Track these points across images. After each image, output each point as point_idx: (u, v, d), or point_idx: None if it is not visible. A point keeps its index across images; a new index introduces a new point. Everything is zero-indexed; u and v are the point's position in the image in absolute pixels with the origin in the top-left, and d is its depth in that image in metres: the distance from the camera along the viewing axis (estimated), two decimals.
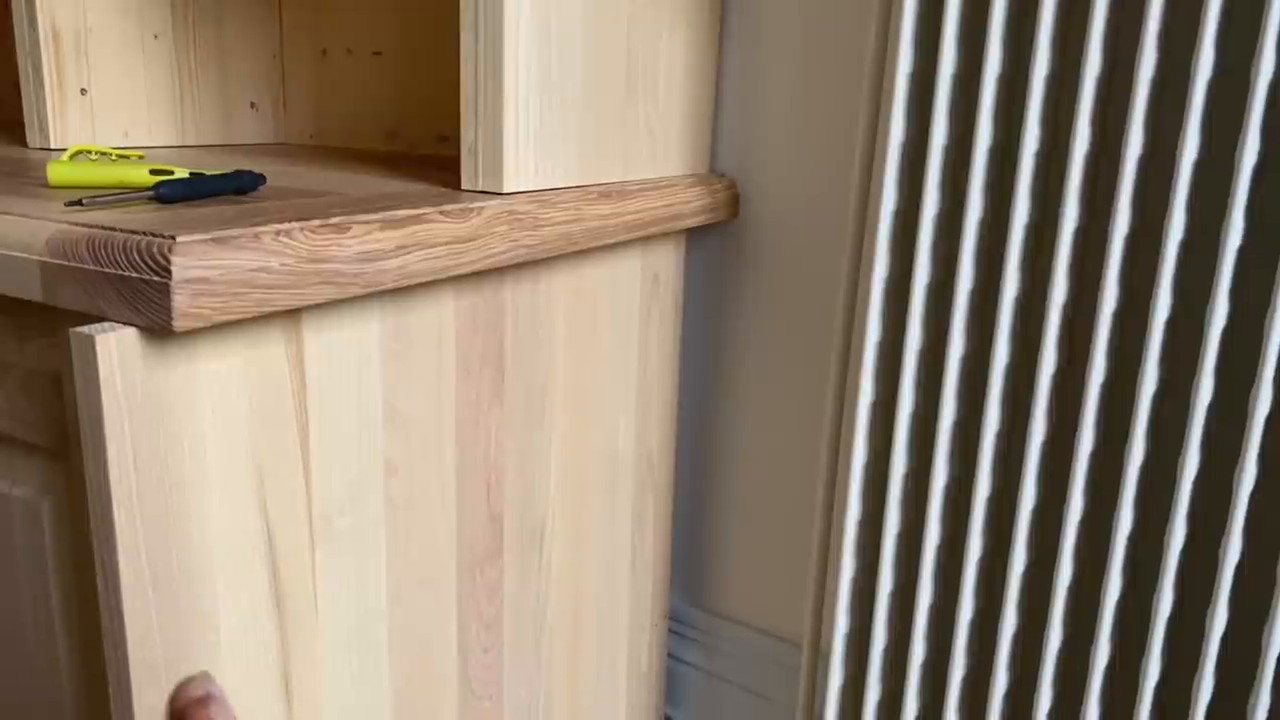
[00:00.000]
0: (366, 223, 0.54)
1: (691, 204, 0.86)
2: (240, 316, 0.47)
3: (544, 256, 0.68)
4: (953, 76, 0.69)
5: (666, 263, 0.90)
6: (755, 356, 0.95)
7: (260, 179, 0.63)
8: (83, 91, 0.90)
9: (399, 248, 0.55)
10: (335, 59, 1.11)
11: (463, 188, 0.68)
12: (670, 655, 1.04)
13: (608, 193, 0.74)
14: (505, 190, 0.67)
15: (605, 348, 0.82)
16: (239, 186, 0.61)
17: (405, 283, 0.56)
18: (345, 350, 0.57)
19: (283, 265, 0.49)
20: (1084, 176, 0.66)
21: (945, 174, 0.71)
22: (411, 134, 1.07)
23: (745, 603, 1.00)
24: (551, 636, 0.82)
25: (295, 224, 0.51)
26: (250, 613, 0.54)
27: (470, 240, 0.60)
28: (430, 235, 0.57)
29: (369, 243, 0.53)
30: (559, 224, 0.68)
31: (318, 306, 0.55)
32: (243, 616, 0.53)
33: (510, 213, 0.64)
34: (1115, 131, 0.65)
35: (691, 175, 0.89)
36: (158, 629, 0.49)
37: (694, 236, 0.96)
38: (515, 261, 0.65)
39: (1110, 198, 0.65)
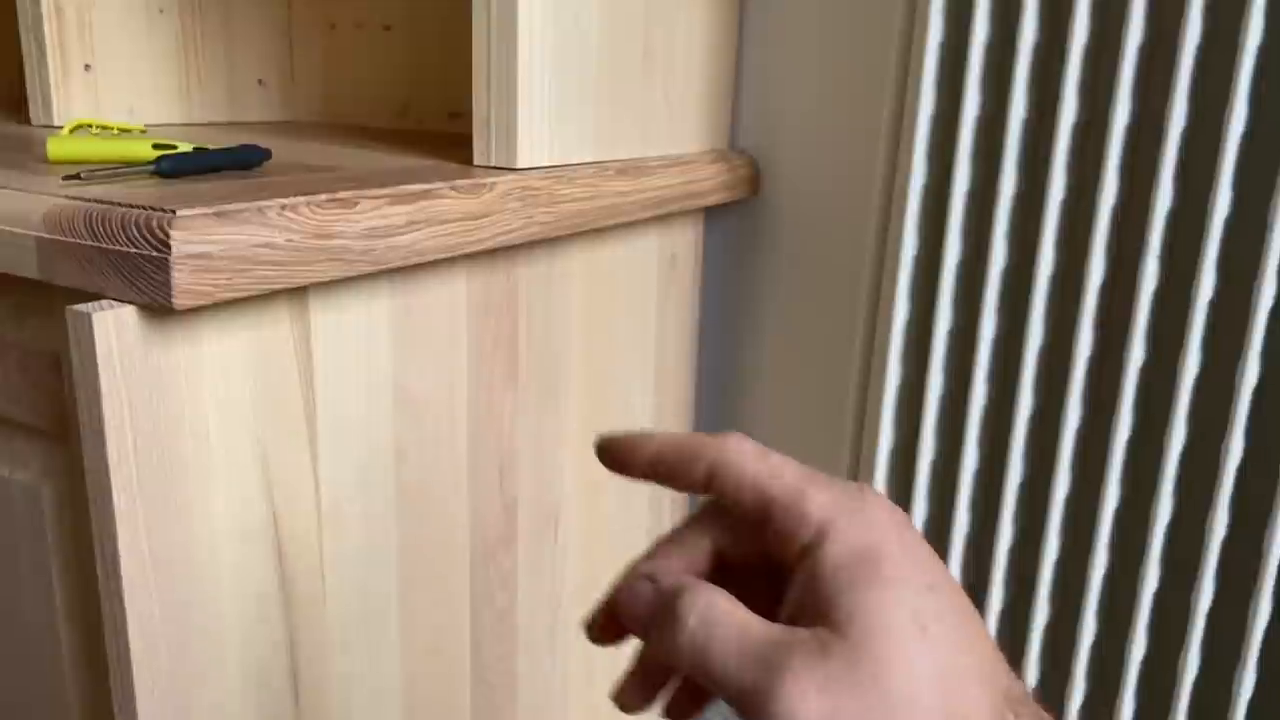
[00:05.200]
0: (375, 198, 0.52)
1: (711, 181, 0.83)
2: (244, 294, 0.45)
3: (559, 235, 0.65)
4: (985, 46, 0.66)
5: (684, 242, 0.87)
6: (775, 339, 0.92)
7: (265, 153, 0.61)
8: (86, 67, 0.88)
9: (409, 224, 0.53)
10: (344, 33, 1.09)
11: (475, 163, 0.66)
12: None
13: (625, 169, 0.72)
14: (519, 166, 0.65)
15: (621, 330, 0.80)
16: (243, 161, 0.59)
17: (415, 261, 0.54)
18: (353, 331, 0.55)
19: (288, 241, 0.47)
20: (1124, 150, 0.63)
21: (977, 147, 0.68)
22: (422, 110, 1.05)
23: None
24: (566, 626, 0.80)
25: (301, 199, 0.48)
26: (255, 600, 0.52)
27: (483, 217, 0.58)
28: (441, 211, 0.55)
29: (378, 219, 0.51)
30: (575, 201, 0.66)
31: (325, 285, 0.53)
32: (247, 603, 0.51)
33: (524, 188, 0.62)
34: (1158, 102, 0.62)
35: (711, 151, 0.87)
36: (159, 616, 0.47)
37: (712, 216, 0.93)
38: (529, 239, 0.63)
39: (1152, 172, 0.62)
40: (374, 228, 0.51)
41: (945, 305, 0.70)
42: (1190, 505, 0.65)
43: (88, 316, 0.42)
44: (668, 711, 0.34)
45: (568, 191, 0.65)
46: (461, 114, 1.03)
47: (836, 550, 0.27)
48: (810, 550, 0.28)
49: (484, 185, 0.59)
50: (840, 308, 0.88)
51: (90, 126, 0.61)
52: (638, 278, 0.81)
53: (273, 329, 0.50)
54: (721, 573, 0.32)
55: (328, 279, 0.49)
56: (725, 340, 0.96)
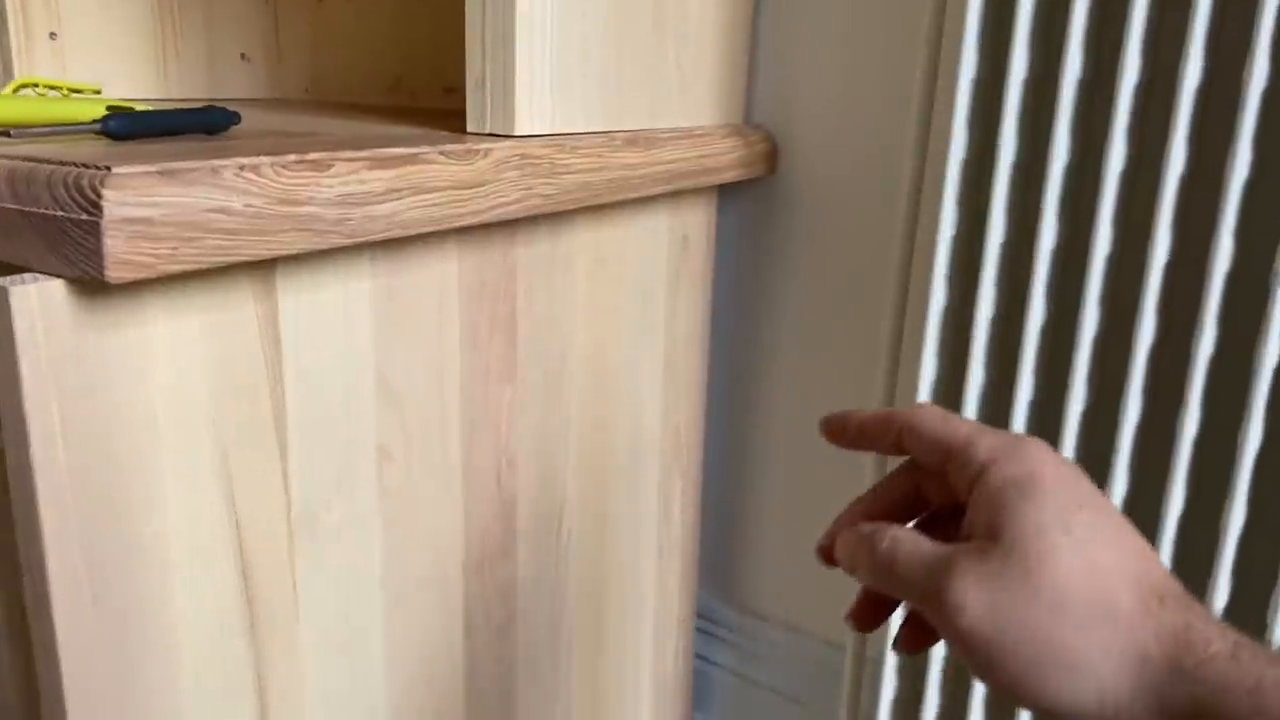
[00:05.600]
0: (351, 160, 0.45)
1: (726, 156, 0.77)
2: (193, 266, 0.38)
3: (562, 209, 0.59)
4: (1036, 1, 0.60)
5: (697, 222, 0.81)
6: (794, 326, 0.86)
7: (234, 117, 0.54)
8: (52, 35, 0.82)
9: (390, 191, 0.46)
10: (333, 5, 1.02)
11: (469, 130, 0.59)
12: (698, 656, 0.96)
13: (634, 139, 0.65)
14: (518, 133, 0.58)
15: (629, 315, 0.74)
16: (207, 124, 0.52)
17: (398, 234, 0.47)
18: (329, 313, 0.49)
19: (247, 207, 0.40)
20: (1194, 112, 0.56)
21: (1025, 114, 0.62)
22: (415, 85, 0.98)
23: (781, 599, 0.92)
24: (570, 638, 0.74)
25: (265, 159, 0.42)
26: (216, 622, 0.45)
27: (476, 186, 0.52)
28: (428, 178, 0.49)
29: (354, 184, 0.45)
30: (579, 172, 0.59)
31: (294, 259, 0.46)
32: (207, 627, 0.45)
33: (523, 156, 0.55)
34: (1236, 55, 0.56)
35: (726, 125, 0.80)
36: (99, 646, 0.40)
37: (726, 194, 0.87)
38: (529, 214, 0.56)
39: (1227, 138, 0.55)
40: (349, 194, 0.44)
41: (988, 291, 0.64)
42: (1268, 510, 0.58)
43: (3, 290, 0.35)
44: (896, 644, 0.39)
45: (571, 161, 0.59)
46: (457, 89, 0.96)
47: (996, 478, 0.32)
48: (976, 482, 0.33)
49: (477, 151, 0.52)
50: (866, 294, 0.82)
51: (36, 86, 0.54)
52: (647, 259, 0.74)
53: (234, 310, 0.44)
54: (922, 525, 0.39)
55: (296, 252, 0.42)
56: (740, 328, 0.89)
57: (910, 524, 0.38)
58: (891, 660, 0.72)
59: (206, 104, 0.52)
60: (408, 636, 0.57)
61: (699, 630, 0.95)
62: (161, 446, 0.42)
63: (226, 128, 0.54)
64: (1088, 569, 0.30)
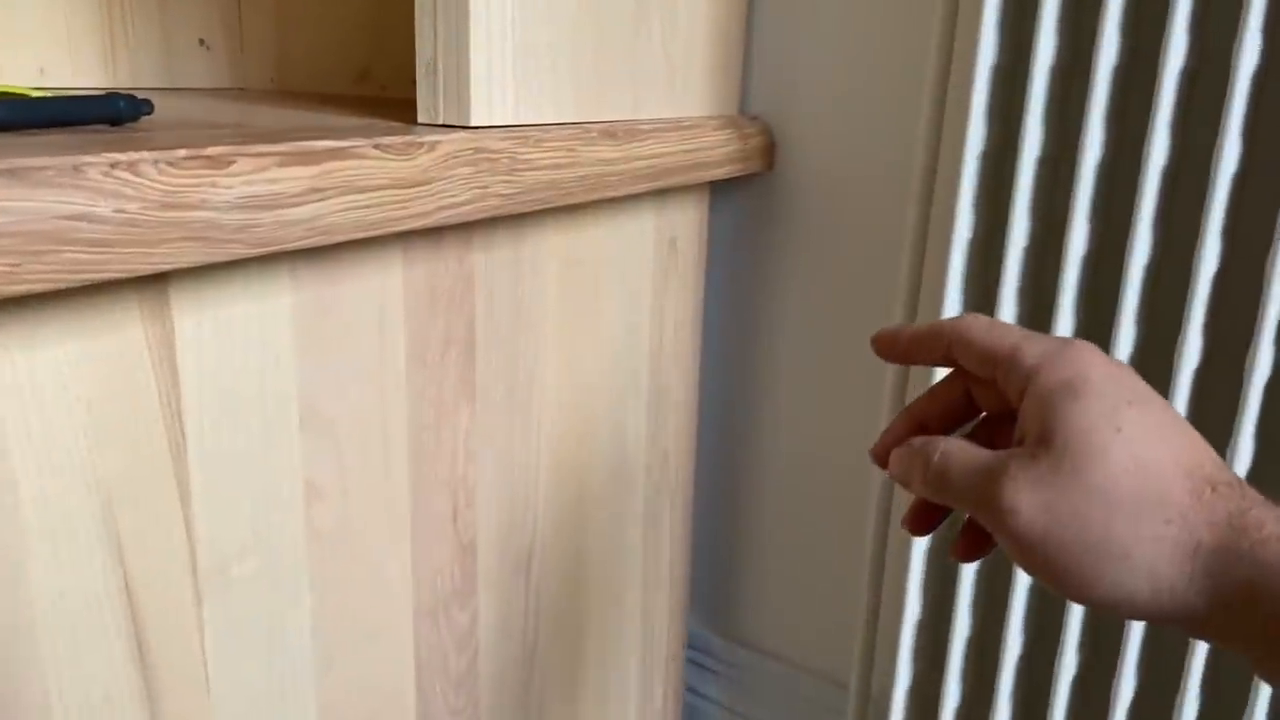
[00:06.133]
0: (259, 156, 0.38)
1: (718, 150, 0.69)
2: (44, 286, 0.31)
3: (527, 210, 0.52)
4: None
5: (686, 223, 0.73)
6: (794, 338, 0.79)
7: (143, 105, 0.47)
8: None
9: (311, 191, 0.39)
10: None
11: (419, 121, 0.52)
12: (689, 690, 0.89)
13: (612, 131, 0.58)
14: (473, 123, 0.51)
15: (609, 326, 0.66)
16: (110, 114, 0.45)
17: (322, 241, 0.40)
18: (240, 334, 0.42)
19: (118, 213, 0.33)
20: (1249, 104, 0.49)
21: (1051, 105, 0.54)
22: (385, 74, 0.91)
23: (777, 631, 0.85)
24: (543, 683, 0.67)
25: (147, 154, 0.35)
26: (105, 704, 0.39)
27: (419, 185, 0.45)
28: (358, 176, 0.42)
29: (261, 184, 0.38)
30: (546, 168, 0.52)
31: (191, 272, 0.39)
32: (88, 701, 0.38)
33: (477, 150, 0.48)
34: None
35: (718, 117, 0.73)
36: None
37: (719, 192, 0.79)
38: (486, 215, 0.49)
39: None
40: (255, 196, 0.37)
41: (1009, 300, 0.56)
42: None
43: None
44: (953, 552, 0.39)
45: (535, 156, 0.52)
46: None
47: (1044, 381, 0.32)
48: (1026, 387, 0.33)
49: (419, 145, 0.45)
50: (872, 303, 0.74)
51: None
52: (630, 264, 0.67)
53: (115, 334, 0.37)
54: (976, 434, 0.39)
55: (184, 266, 0.35)
56: (734, 339, 0.82)
57: (964, 430, 0.39)
58: (899, 699, 0.65)
59: (106, 94, 0.45)
60: (347, 697, 0.50)
61: (690, 662, 0.88)
62: (22, 498, 0.35)
63: (135, 117, 0.47)
64: (1138, 464, 0.30)
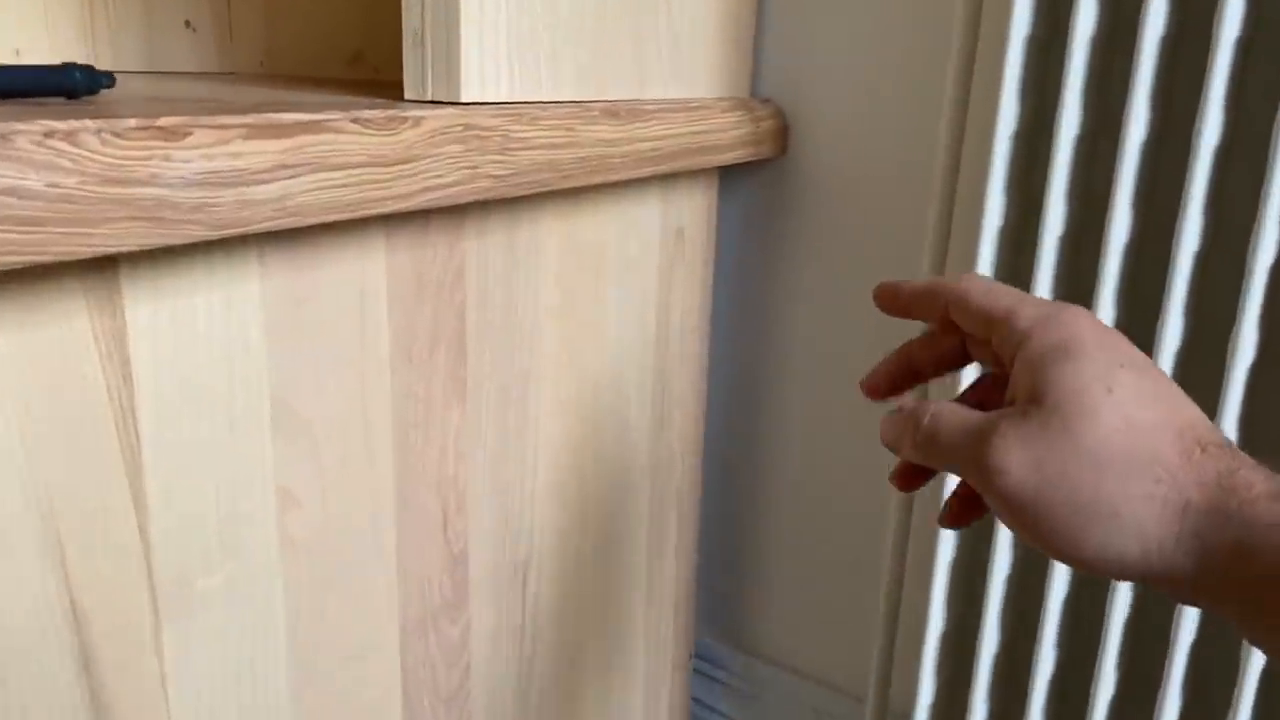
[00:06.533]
0: (221, 128, 0.34)
1: (728, 133, 0.65)
2: None
3: (522, 193, 0.48)
4: None
5: (694, 210, 0.69)
6: (808, 333, 0.75)
7: (103, 78, 0.43)
8: None
9: (279, 168, 0.36)
10: None
11: (406, 98, 0.48)
12: (696, 701, 0.85)
13: (615, 110, 0.54)
14: (464, 99, 0.47)
15: (612, 320, 0.62)
16: (64, 86, 0.41)
17: (292, 223, 0.37)
18: (203, 325, 0.38)
19: (52, 188, 0.29)
20: None
21: (1091, 80, 0.50)
22: (378, 57, 0.88)
23: (789, 641, 0.81)
24: (541, 698, 0.63)
25: (89, 123, 0.31)
26: None
27: (402, 163, 0.41)
28: (333, 152, 0.38)
29: (222, 158, 0.34)
30: (542, 148, 0.48)
31: (146, 256, 0.35)
32: None
33: (467, 127, 0.44)
34: None
35: (728, 99, 0.69)
36: None
37: (729, 178, 0.75)
38: (478, 198, 0.45)
39: None
40: (215, 172, 0.33)
41: (1043, 293, 0.52)
42: None
43: None
44: (941, 519, 0.39)
45: (530, 135, 0.48)
46: None
47: (1037, 344, 0.32)
48: (1019, 349, 0.33)
49: (403, 120, 0.41)
50: None
51: None
52: (634, 254, 0.63)
53: (57, 326, 0.33)
54: (974, 400, 0.38)
55: (133, 248, 0.32)
56: (745, 334, 0.78)
57: (955, 396, 0.39)
58: (921, 715, 0.61)
59: (62, 64, 0.41)
60: (326, 718, 0.47)
61: (697, 673, 0.84)
62: None
63: (94, 91, 0.43)
64: (1129, 424, 0.29)
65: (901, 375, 0.39)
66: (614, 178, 0.54)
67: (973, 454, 0.31)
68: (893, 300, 0.38)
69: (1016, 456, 0.30)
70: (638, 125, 0.56)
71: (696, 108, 0.62)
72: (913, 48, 0.66)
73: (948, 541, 0.58)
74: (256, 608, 0.42)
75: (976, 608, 0.58)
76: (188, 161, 0.33)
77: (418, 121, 0.42)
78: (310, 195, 0.37)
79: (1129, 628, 0.54)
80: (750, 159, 0.69)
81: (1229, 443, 0.30)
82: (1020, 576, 0.57)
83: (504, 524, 0.56)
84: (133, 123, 0.32)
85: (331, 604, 0.45)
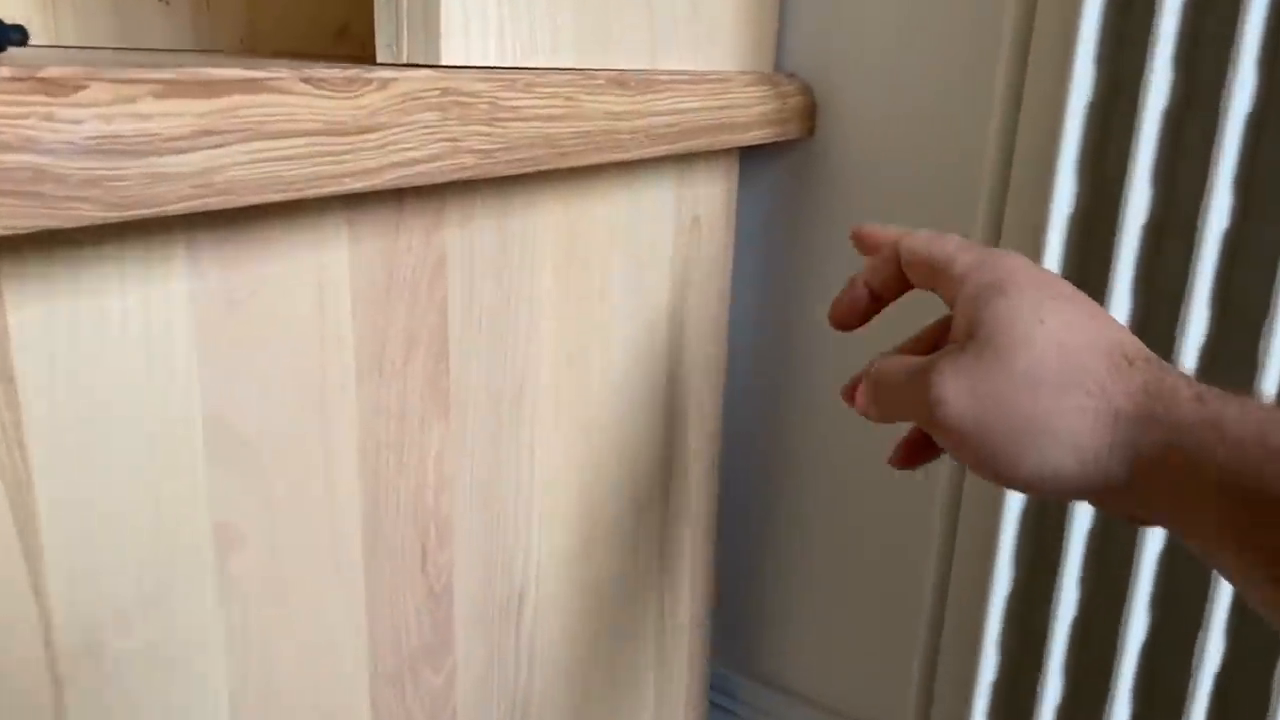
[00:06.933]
0: (125, 82, 0.27)
1: (751, 110, 0.58)
2: None
3: (513, 172, 0.41)
4: None
5: (712, 197, 0.62)
6: (838, 335, 0.67)
7: (11, 32, 0.37)
8: None
9: (202, 134, 0.29)
10: None
11: (378, 60, 0.41)
12: None
13: (623, 80, 0.47)
14: (444, 62, 0.40)
15: (619, 321, 0.55)
16: None
17: (221, 202, 0.29)
18: (114, 332, 0.31)
19: None
20: None
21: (1183, 44, 0.43)
22: (365, 32, 0.80)
23: (813, 672, 0.74)
24: None
25: None
26: None
27: (364, 132, 0.34)
28: (275, 116, 0.31)
29: (125, 119, 0.27)
30: (538, 119, 0.41)
31: (29, 246, 0.28)
32: None
33: (445, 92, 0.37)
34: None
35: (750, 72, 0.61)
36: None
37: (750, 162, 0.68)
38: (460, 176, 0.38)
39: None
40: (114, 137, 0.26)
41: (1121, 293, 0.45)
42: None
43: None
44: (891, 460, 0.41)
45: (524, 104, 0.40)
46: None
47: (973, 285, 0.34)
48: (957, 292, 0.34)
49: (366, 81, 0.34)
50: (931, 295, 0.63)
51: None
52: (644, 246, 0.56)
53: None
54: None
55: (6, 231, 0.25)
56: (767, 335, 0.70)
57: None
58: None
59: None
60: None
61: (714, 705, 0.77)
62: None
63: (1, 47, 0.36)
64: (1060, 349, 0.31)
65: (863, 302, 0.41)
66: (622, 157, 0.47)
67: (915, 391, 0.33)
68: (860, 240, 0.42)
69: (953, 387, 0.31)
70: (650, 97, 0.49)
71: (716, 80, 0.55)
72: (958, 14, 0.58)
73: (1004, 567, 0.51)
74: (188, 672, 0.35)
75: (1035, 653, 0.51)
76: (77, 123, 0.26)
77: (385, 84, 0.35)
78: (244, 169, 0.30)
79: (1223, 676, 0.46)
80: (774, 140, 0.61)
81: (1157, 358, 0.31)
82: (1088, 621, 0.50)
83: (495, 553, 0.49)
84: (5, 72, 0.25)
85: (285, 661, 0.38)
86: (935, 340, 0.39)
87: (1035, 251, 0.47)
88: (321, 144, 0.32)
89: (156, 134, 0.27)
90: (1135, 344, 0.32)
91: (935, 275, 0.36)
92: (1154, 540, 0.46)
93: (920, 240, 0.37)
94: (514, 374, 0.48)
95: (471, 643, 0.48)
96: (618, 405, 0.56)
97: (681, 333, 0.61)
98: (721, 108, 0.55)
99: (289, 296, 0.36)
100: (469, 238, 0.43)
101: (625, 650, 0.62)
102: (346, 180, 0.33)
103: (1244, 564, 0.27)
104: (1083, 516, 0.48)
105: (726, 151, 0.62)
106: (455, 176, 0.38)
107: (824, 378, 0.68)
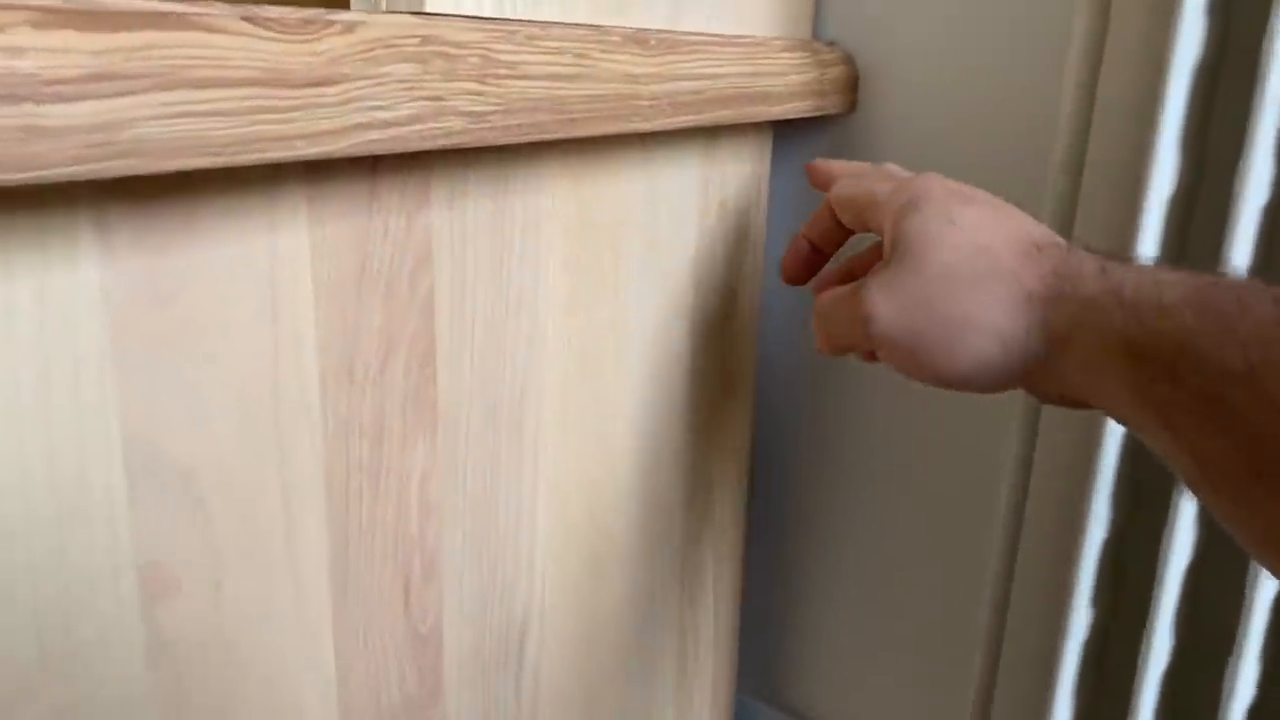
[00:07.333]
0: None
1: (787, 79, 0.51)
2: None
3: (512, 141, 0.34)
4: None
5: (741, 178, 0.55)
6: None
7: None
8: None
9: (99, 79, 0.22)
10: None
11: (352, 6, 0.35)
12: None
13: (643, 38, 0.40)
14: (428, 8, 0.33)
15: (635, 318, 0.49)
16: None
17: (127, 167, 0.23)
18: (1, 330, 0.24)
19: None
20: None
21: None
22: None
23: (848, 704, 0.67)
24: None
25: None
26: None
27: (320, 84, 0.27)
28: (201, 59, 0.24)
29: None
30: (541, 79, 0.35)
31: None
32: None
33: (425, 40, 0.30)
34: None
35: (785, 38, 0.54)
36: None
37: (783, 139, 0.61)
38: (448, 144, 0.31)
39: None
40: None
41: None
42: None
43: None
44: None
45: (524, 60, 0.34)
46: None
47: (891, 209, 0.36)
48: (882, 220, 0.36)
49: (328, 23, 0.27)
50: None
51: None
52: (664, 232, 0.49)
53: None
54: None
55: None
56: (803, 334, 0.64)
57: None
58: None
59: None
60: None
61: None
62: None
63: None
64: (972, 246, 0.32)
65: (805, 254, 0.43)
66: (641, 127, 0.40)
67: (849, 314, 0.34)
68: (815, 183, 0.44)
69: (880, 300, 0.33)
70: (673, 59, 0.42)
71: (748, 44, 0.48)
72: None
73: (1082, 599, 0.44)
74: None
75: (1117, 700, 0.44)
76: None
77: (350, 27, 0.28)
78: (158, 126, 0.23)
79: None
80: (812, 114, 0.54)
81: (1066, 243, 0.33)
82: (1183, 667, 0.43)
83: (492, 585, 0.42)
84: None
85: None
86: (870, 267, 0.41)
87: (1126, 244, 0.40)
88: (263, 97, 0.25)
89: (33, 75, 0.21)
90: (1045, 233, 0.33)
91: (862, 213, 0.38)
92: (1269, 583, 0.39)
93: (845, 185, 0.39)
94: (514, 380, 0.41)
95: (464, 691, 0.42)
96: (634, 416, 0.50)
97: (706, 331, 0.54)
98: (753, 75, 0.48)
99: (232, 290, 0.29)
100: (460, 220, 0.37)
101: (641, 683, 0.56)
102: (297, 144, 0.27)
103: (1162, 438, 0.28)
104: (1181, 546, 0.41)
105: (757, 127, 0.55)
106: (440, 144, 0.31)
107: (866, 384, 0.61)
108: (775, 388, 0.65)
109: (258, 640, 0.32)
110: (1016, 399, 0.50)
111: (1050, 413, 0.47)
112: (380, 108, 0.29)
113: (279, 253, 0.30)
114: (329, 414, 0.33)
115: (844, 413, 0.63)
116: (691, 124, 0.44)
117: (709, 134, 0.51)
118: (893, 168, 0.40)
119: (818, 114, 0.55)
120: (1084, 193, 0.45)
